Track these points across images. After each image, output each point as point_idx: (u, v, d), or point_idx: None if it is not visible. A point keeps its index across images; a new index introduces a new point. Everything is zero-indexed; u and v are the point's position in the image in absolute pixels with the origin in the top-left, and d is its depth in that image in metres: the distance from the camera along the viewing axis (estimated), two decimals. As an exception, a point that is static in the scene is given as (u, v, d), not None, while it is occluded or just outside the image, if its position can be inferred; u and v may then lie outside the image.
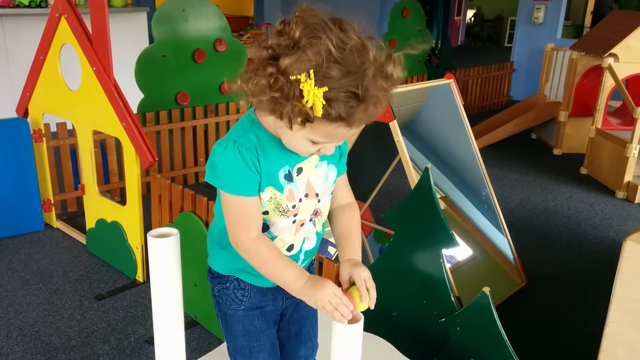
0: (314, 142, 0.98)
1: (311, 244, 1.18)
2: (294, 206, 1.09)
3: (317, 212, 1.15)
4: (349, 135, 0.97)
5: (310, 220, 1.15)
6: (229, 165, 1.01)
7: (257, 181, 1.04)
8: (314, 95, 0.86)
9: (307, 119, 0.90)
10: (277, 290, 1.20)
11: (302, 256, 1.18)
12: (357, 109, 0.89)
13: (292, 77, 0.87)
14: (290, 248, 1.15)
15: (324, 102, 0.87)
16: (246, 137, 1.03)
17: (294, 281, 1.06)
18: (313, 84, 0.86)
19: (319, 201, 1.14)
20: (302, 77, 0.87)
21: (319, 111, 0.87)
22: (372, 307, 1.08)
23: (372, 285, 1.08)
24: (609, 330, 1.48)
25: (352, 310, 1.03)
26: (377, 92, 0.90)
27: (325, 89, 0.86)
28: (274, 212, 1.09)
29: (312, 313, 1.30)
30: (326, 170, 1.12)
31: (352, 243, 1.17)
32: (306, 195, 1.11)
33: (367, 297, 1.07)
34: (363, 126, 0.99)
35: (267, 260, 1.06)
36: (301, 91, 0.87)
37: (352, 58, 0.88)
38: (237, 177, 1.02)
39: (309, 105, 0.87)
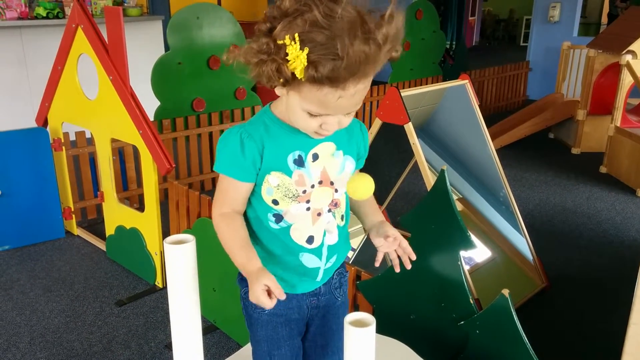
0: (311, 115, 1.00)
1: (333, 238, 1.16)
2: (304, 191, 1.09)
3: (335, 203, 1.14)
4: (342, 105, 0.97)
5: (329, 211, 1.14)
6: (225, 146, 1.07)
7: (249, 169, 1.07)
8: (296, 57, 0.90)
9: (289, 79, 0.94)
10: (302, 299, 1.21)
11: (325, 251, 1.16)
12: (340, 70, 0.90)
13: (280, 42, 0.91)
14: (310, 240, 1.14)
15: (308, 64, 0.90)
16: (254, 126, 1.07)
17: (240, 265, 1.09)
18: (298, 47, 0.90)
19: (336, 191, 1.13)
20: (287, 40, 0.91)
21: (301, 73, 0.91)
22: (411, 260, 1.19)
23: (394, 232, 1.18)
24: (632, 331, 1.46)
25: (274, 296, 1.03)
26: (361, 53, 0.90)
27: (307, 50, 0.90)
28: (283, 199, 1.10)
29: (340, 327, 1.28)
30: (342, 159, 1.13)
31: (374, 209, 1.25)
32: (320, 183, 1.10)
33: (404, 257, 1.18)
34: (357, 102, 0.99)
35: (226, 236, 1.10)
36: (287, 54, 0.91)
37: (339, 24, 0.90)
38: (228, 159, 1.07)
39: (292, 67, 0.91)
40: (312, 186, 1.10)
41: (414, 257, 1.18)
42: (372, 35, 0.91)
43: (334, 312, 1.26)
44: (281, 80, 0.95)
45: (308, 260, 1.16)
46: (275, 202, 1.10)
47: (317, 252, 1.16)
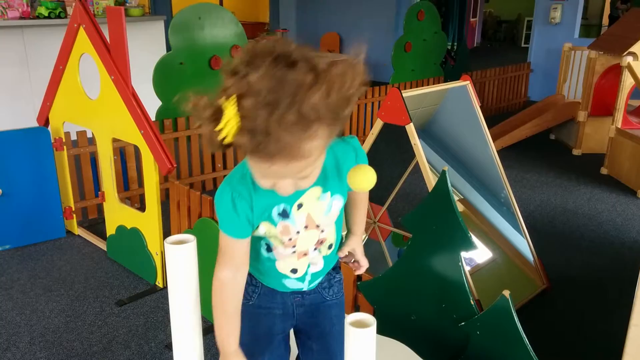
0: (262, 176, 0.95)
1: (318, 267, 1.20)
2: (290, 239, 1.12)
3: (321, 241, 1.16)
4: (277, 172, 0.91)
5: (315, 249, 1.16)
6: (221, 208, 1.07)
7: (245, 226, 1.07)
8: (227, 121, 0.84)
9: (221, 144, 0.87)
10: (286, 295, 1.22)
11: (308, 278, 1.20)
12: (262, 144, 0.84)
13: (220, 101, 0.86)
14: (294, 271, 1.18)
15: (236, 131, 0.84)
16: (242, 182, 1.05)
17: (219, 339, 1.13)
18: (233, 110, 0.84)
19: (322, 231, 1.14)
20: (222, 100, 0.85)
21: (229, 138, 0.85)
22: (366, 265, 1.30)
23: (360, 252, 1.28)
24: (632, 333, 1.46)
25: None
26: (286, 132, 0.83)
27: (237, 116, 0.84)
28: (273, 239, 1.13)
29: (334, 330, 1.26)
30: (329, 201, 1.11)
31: (355, 218, 1.29)
32: (306, 227, 1.12)
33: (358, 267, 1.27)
34: (301, 170, 0.92)
35: (216, 305, 1.13)
36: (220, 116, 0.85)
37: (272, 95, 0.83)
38: (226, 220, 1.07)
39: (223, 133, 0.85)
40: (298, 232, 1.12)
41: (361, 271, 1.30)
42: (303, 114, 0.83)
43: (324, 312, 1.26)
44: (217, 143, 0.87)
45: (290, 283, 1.20)
46: (265, 234, 1.12)
47: (300, 279, 1.20)
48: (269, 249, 1.14)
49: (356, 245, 1.28)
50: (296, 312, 1.24)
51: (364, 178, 1.04)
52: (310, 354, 1.27)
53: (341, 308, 1.29)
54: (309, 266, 1.18)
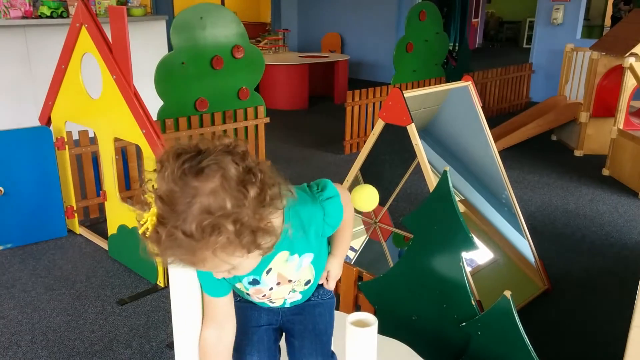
0: None
1: (296, 297, 1.23)
2: (263, 295, 1.18)
3: (294, 289, 1.20)
4: (196, 268, 0.93)
5: (290, 292, 1.21)
6: (198, 272, 1.12)
7: (222, 286, 1.13)
8: (147, 218, 0.88)
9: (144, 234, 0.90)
10: None
11: (287, 304, 1.25)
12: (159, 252, 0.88)
13: (147, 197, 0.90)
14: (272, 302, 1.23)
15: (152, 229, 0.88)
16: None
17: None
18: (154, 210, 0.87)
19: (295, 283, 1.18)
20: (149, 197, 0.89)
21: (147, 233, 0.89)
22: (330, 288, 1.28)
23: (332, 276, 1.26)
24: (634, 334, 1.46)
25: None
26: (170, 244, 0.86)
27: (154, 218, 0.87)
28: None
29: (316, 329, 1.27)
30: (298, 261, 1.13)
31: (336, 240, 1.27)
32: (278, 284, 1.15)
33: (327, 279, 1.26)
34: (216, 269, 0.94)
35: (207, 357, 1.17)
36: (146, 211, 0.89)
37: (168, 202, 0.85)
38: (203, 281, 1.13)
39: (142, 228, 0.89)
40: (271, 289, 1.16)
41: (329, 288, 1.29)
42: (185, 230, 0.84)
43: (308, 311, 1.27)
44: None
45: (270, 308, 1.26)
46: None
47: (279, 306, 1.26)
48: (248, 294, 1.20)
49: (332, 267, 1.26)
50: (280, 309, 1.27)
51: (365, 203, 1.05)
52: (292, 351, 1.28)
53: (326, 308, 1.30)
54: (285, 300, 1.23)
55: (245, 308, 1.26)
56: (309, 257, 1.15)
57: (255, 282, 1.14)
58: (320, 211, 1.11)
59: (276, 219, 0.97)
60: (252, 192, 0.88)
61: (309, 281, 1.21)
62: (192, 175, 0.85)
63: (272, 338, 1.28)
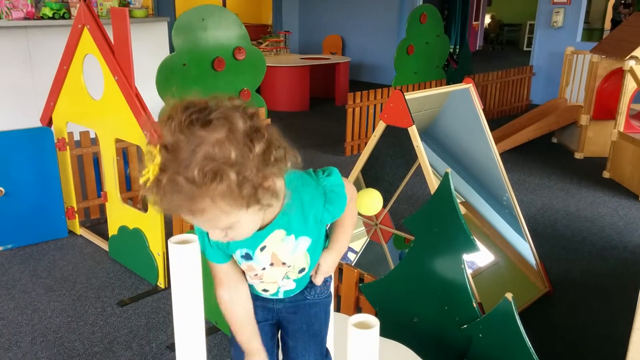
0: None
1: (290, 287, 1.21)
2: (255, 274, 1.16)
3: (289, 275, 1.18)
4: (192, 221, 0.93)
5: (283, 278, 1.18)
6: (200, 238, 1.14)
7: (220, 254, 1.14)
8: (149, 168, 0.88)
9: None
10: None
11: (281, 294, 1.22)
12: (156, 196, 0.88)
13: (153, 149, 0.88)
14: (265, 290, 1.22)
15: (152, 180, 0.87)
16: None
17: (242, 343, 1.20)
18: (159, 160, 0.87)
19: (289, 266, 1.16)
20: (153, 150, 0.88)
21: (148, 183, 0.88)
22: (317, 283, 1.22)
23: (321, 271, 1.20)
24: (636, 337, 1.45)
25: None
26: (172, 191, 0.85)
27: (157, 168, 0.87)
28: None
29: (310, 330, 1.27)
30: (294, 243, 1.11)
31: (335, 234, 1.23)
32: (271, 264, 1.14)
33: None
34: (211, 223, 0.93)
35: (227, 317, 1.20)
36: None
37: (173, 150, 0.85)
38: (203, 247, 1.14)
39: (143, 177, 0.89)
40: (263, 269, 1.14)
41: (315, 282, 1.24)
42: (188, 176, 0.84)
43: (303, 310, 1.25)
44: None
45: (265, 296, 1.24)
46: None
47: (274, 294, 1.23)
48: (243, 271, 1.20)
49: (323, 261, 1.20)
50: (275, 306, 1.26)
51: (369, 206, 1.05)
52: (286, 350, 1.28)
53: (321, 308, 1.27)
54: (279, 288, 1.21)
55: None
56: (305, 241, 1.12)
57: (248, 257, 1.12)
58: (322, 196, 1.10)
59: (278, 191, 0.98)
60: (258, 148, 0.88)
61: (303, 269, 1.18)
62: (199, 125, 0.86)
63: (269, 334, 1.27)
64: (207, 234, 1.07)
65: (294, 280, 1.20)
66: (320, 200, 1.09)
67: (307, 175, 1.10)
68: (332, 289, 1.31)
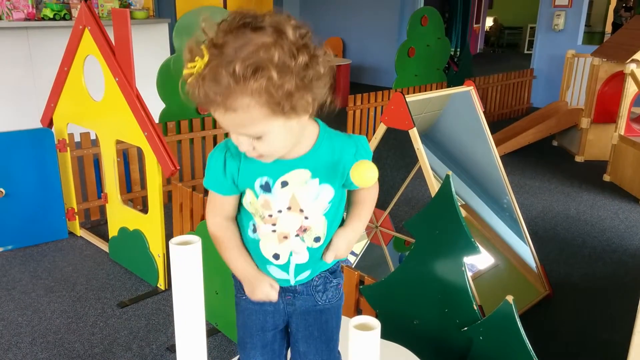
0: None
1: (301, 258, 1.16)
2: (270, 215, 1.11)
3: (304, 228, 1.13)
4: (225, 123, 0.97)
5: (297, 235, 1.14)
6: (210, 165, 1.12)
7: (229, 186, 1.11)
8: (196, 64, 0.92)
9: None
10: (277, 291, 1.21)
11: (292, 268, 1.17)
12: (196, 90, 0.92)
13: (202, 47, 0.93)
14: (276, 257, 1.16)
15: (197, 73, 0.91)
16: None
17: (237, 270, 1.17)
18: (206, 58, 0.91)
19: (306, 218, 1.12)
20: (204, 49, 0.92)
21: (192, 77, 0.92)
22: (327, 261, 1.17)
23: (333, 247, 1.16)
24: (636, 340, 1.45)
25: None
26: (213, 83, 0.90)
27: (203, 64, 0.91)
28: (255, 215, 1.13)
29: (323, 336, 1.25)
30: (317, 188, 1.10)
31: (352, 211, 1.22)
32: (289, 209, 1.10)
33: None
34: (239, 125, 0.97)
35: (221, 244, 1.16)
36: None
37: (224, 49, 0.90)
38: (212, 176, 1.12)
39: (188, 69, 0.93)
40: (280, 211, 1.11)
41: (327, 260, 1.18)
42: (232, 70, 0.88)
43: (314, 316, 1.23)
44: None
45: (275, 272, 1.19)
46: (252, 213, 1.14)
47: (284, 267, 1.17)
48: (255, 229, 1.15)
49: (337, 238, 1.17)
50: (287, 310, 1.24)
51: (363, 174, 1.04)
52: (297, 354, 1.26)
53: (333, 313, 1.26)
54: (291, 254, 1.15)
55: (250, 312, 1.23)
56: (328, 191, 1.10)
57: (267, 188, 1.09)
58: (354, 146, 1.11)
59: (312, 129, 1.06)
60: (302, 59, 0.92)
61: (318, 238, 1.15)
62: (250, 29, 0.91)
63: (279, 342, 1.27)
64: (225, 167, 1.09)
65: (308, 250, 1.15)
66: (352, 150, 1.11)
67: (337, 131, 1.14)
68: (343, 290, 1.30)
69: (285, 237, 1.13)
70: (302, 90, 0.93)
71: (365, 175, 1.04)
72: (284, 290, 1.21)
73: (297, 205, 1.10)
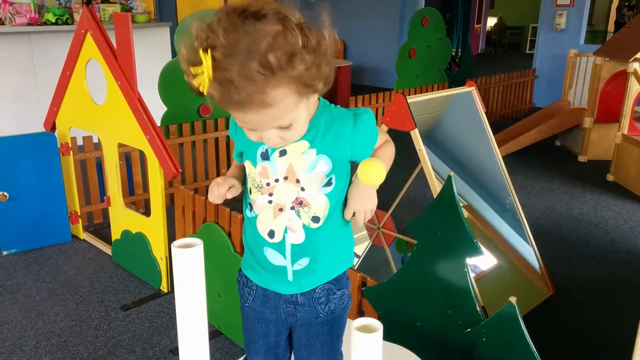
0: (248, 129, 1.01)
1: (297, 237, 1.13)
2: (267, 184, 1.12)
3: (300, 201, 1.11)
4: (252, 122, 0.96)
5: (292, 208, 1.11)
6: (231, 122, 1.17)
7: (239, 143, 1.16)
8: (202, 72, 0.89)
9: (199, 92, 0.93)
10: (278, 301, 1.20)
11: (288, 249, 1.14)
12: (223, 94, 0.89)
13: (198, 53, 0.89)
14: (271, 234, 1.14)
15: (208, 82, 0.89)
16: None
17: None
18: (209, 62, 0.88)
19: (302, 189, 1.10)
20: (200, 52, 0.89)
21: (203, 88, 0.90)
22: (346, 218, 1.16)
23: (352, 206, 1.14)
24: None
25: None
26: (246, 82, 0.87)
27: (210, 69, 0.88)
28: (252, 188, 1.15)
29: (325, 346, 1.24)
30: (314, 159, 1.09)
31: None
32: (285, 178, 1.10)
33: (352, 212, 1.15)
34: (273, 119, 0.96)
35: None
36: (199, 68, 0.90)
37: (233, 48, 0.87)
38: (232, 128, 1.20)
39: (197, 81, 0.90)
40: (277, 180, 1.11)
41: (346, 217, 1.16)
42: (265, 63, 0.86)
43: (317, 328, 1.22)
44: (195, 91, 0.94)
45: (272, 256, 1.16)
46: (249, 191, 1.16)
47: (279, 248, 1.14)
48: (250, 207, 1.16)
49: (349, 189, 1.16)
50: (289, 320, 1.23)
51: (372, 171, 1.04)
52: (298, 358, 1.27)
53: (337, 322, 1.24)
54: (286, 231, 1.13)
55: (253, 320, 1.23)
56: (325, 162, 1.09)
57: (265, 157, 1.10)
58: (351, 118, 1.11)
59: (314, 101, 1.05)
60: (313, 37, 0.93)
61: (317, 218, 1.12)
62: (253, 19, 0.89)
63: (282, 347, 1.27)
64: (234, 132, 1.16)
65: (304, 229, 1.12)
66: (350, 119, 1.10)
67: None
68: (350, 295, 1.28)
69: (281, 210, 1.12)
70: (322, 66, 0.94)
71: (369, 174, 1.04)
72: (285, 301, 1.20)
73: (293, 175, 1.10)
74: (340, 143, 1.10)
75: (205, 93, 0.91)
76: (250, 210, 1.16)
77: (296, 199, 1.11)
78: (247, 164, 1.13)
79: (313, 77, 0.93)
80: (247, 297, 1.23)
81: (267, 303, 1.21)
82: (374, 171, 1.06)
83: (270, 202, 1.12)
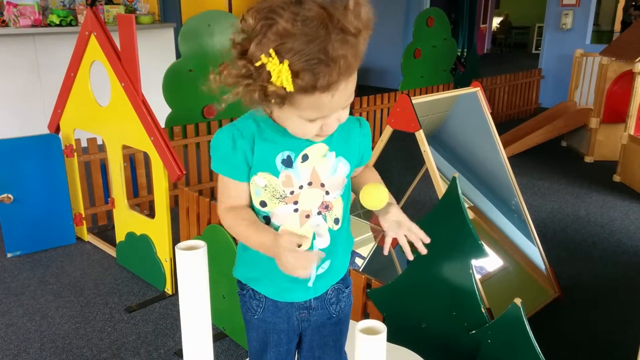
0: (310, 120, 0.98)
1: (324, 241, 1.13)
2: (292, 192, 1.08)
3: (326, 205, 1.11)
4: (337, 102, 0.96)
5: (319, 213, 1.11)
6: (218, 146, 1.07)
7: (241, 167, 1.06)
8: (279, 71, 0.88)
9: (282, 96, 0.91)
10: (291, 310, 1.19)
11: (316, 258, 1.11)
12: (326, 73, 0.89)
13: (257, 63, 0.89)
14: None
15: (292, 76, 0.88)
16: (246, 123, 1.06)
17: (257, 245, 1.07)
18: (277, 61, 0.87)
19: (327, 193, 1.10)
20: (264, 58, 0.88)
21: (290, 85, 0.89)
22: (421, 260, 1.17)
23: (415, 230, 1.13)
24: (647, 342, 1.43)
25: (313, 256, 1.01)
26: (342, 50, 0.89)
27: (287, 62, 0.87)
28: (271, 200, 1.09)
29: (337, 343, 1.26)
30: (335, 161, 1.10)
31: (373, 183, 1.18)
32: (310, 184, 1.09)
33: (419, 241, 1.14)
34: (350, 93, 0.98)
35: (235, 226, 1.09)
36: (269, 72, 0.89)
37: (309, 27, 0.88)
38: (221, 158, 1.07)
39: (278, 82, 0.89)
40: (301, 187, 1.09)
41: (427, 240, 1.13)
42: (347, 29, 0.89)
43: (330, 328, 1.24)
44: (273, 101, 0.93)
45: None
46: (263, 203, 1.10)
47: (309, 248, 1.13)
48: (267, 220, 1.11)
49: (396, 211, 1.12)
50: (301, 326, 1.22)
51: (375, 196, 1.05)
52: (312, 357, 1.27)
53: (346, 321, 1.28)
54: (314, 237, 1.11)
55: (264, 332, 1.21)
56: (344, 165, 1.11)
57: (288, 163, 1.06)
58: (357, 122, 1.15)
59: None
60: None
61: (337, 220, 1.14)
62: (297, 5, 0.90)
63: (292, 353, 1.27)
64: (235, 146, 1.05)
65: (329, 232, 1.13)
66: (356, 123, 1.15)
67: None
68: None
69: (308, 216, 1.10)
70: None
71: (375, 199, 1.06)
72: (298, 308, 1.20)
73: (317, 179, 1.09)
74: (351, 145, 1.13)
75: (289, 89, 0.89)
76: (268, 224, 1.11)
77: (322, 203, 1.11)
78: (263, 177, 1.07)
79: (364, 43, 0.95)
80: (255, 309, 1.21)
81: (278, 313, 1.20)
82: (381, 196, 1.08)
83: (296, 210, 1.10)
